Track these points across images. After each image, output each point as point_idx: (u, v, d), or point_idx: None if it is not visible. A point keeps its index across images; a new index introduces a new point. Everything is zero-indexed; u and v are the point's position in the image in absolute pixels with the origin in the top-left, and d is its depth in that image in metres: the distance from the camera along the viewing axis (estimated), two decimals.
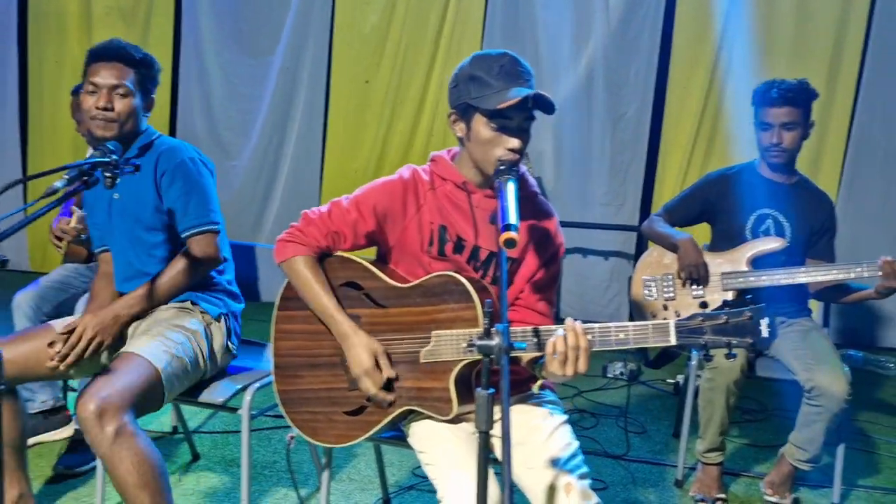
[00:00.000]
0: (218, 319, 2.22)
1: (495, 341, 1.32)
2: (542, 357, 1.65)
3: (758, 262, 2.64)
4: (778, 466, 2.67)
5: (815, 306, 2.88)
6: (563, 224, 4.94)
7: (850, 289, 2.62)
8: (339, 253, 1.85)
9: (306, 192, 5.22)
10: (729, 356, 1.48)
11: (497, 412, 1.82)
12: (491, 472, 1.63)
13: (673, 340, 1.49)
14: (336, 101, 5.17)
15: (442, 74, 5.01)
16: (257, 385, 2.15)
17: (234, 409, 2.13)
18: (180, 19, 5.24)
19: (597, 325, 1.55)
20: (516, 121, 1.66)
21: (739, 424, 3.35)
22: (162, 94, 5.21)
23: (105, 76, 2.10)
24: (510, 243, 1.44)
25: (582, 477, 1.65)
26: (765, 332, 1.45)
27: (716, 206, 2.74)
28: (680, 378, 3.61)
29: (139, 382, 1.91)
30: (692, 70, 4.76)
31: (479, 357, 1.62)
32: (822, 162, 4.71)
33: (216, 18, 5.19)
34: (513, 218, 1.48)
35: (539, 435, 1.73)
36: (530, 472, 1.69)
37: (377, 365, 1.72)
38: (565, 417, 1.81)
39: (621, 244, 4.96)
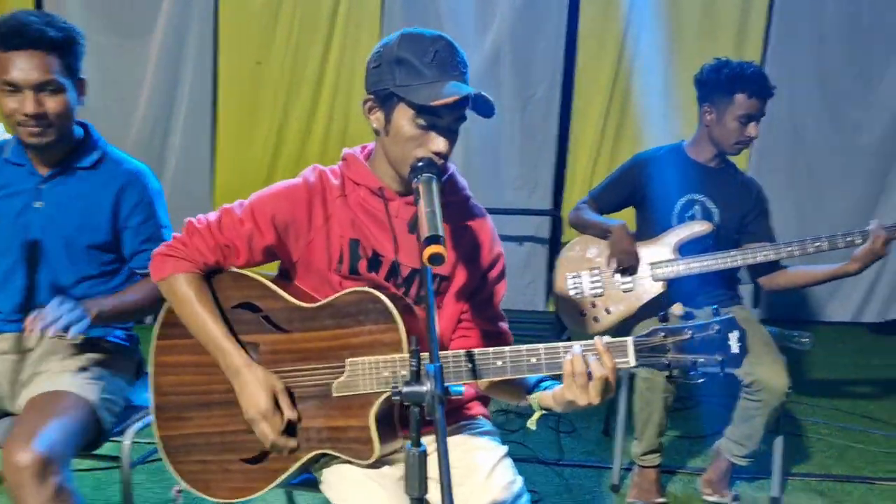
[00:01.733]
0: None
1: (426, 387, 1.06)
2: (540, 385, 1.41)
3: (684, 249, 2.49)
4: (715, 463, 2.55)
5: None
6: None
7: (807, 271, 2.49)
8: (233, 269, 1.54)
9: (197, 189, 4.76)
10: (695, 375, 1.28)
11: (427, 448, 1.60)
12: None
13: (632, 362, 1.28)
14: (226, 85, 4.74)
15: (340, 54, 4.67)
16: (138, 426, 1.81)
17: (113, 458, 1.80)
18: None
19: (541, 345, 1.32)
20: (446, 120, 1.41)
21: (671, 415, 3.22)
22: None
23: (25, 71, 1.68)
24: (436, 259, 1.18)
25: None
26: (735, 348, 1.26)
27: (643, 191, 2.57)
28: None
29: (76, 425, 1.61)
30: (600, 48, 4.61)
31: (459, 395, 1.39)
32: None
33: None
34: (438, 228, 1.22)
35: (478, 474, 1.50)
36: None
37: (276, 405, 1.43)
38: (505, 450, 1.58)
39: (535, 229, 4.79)
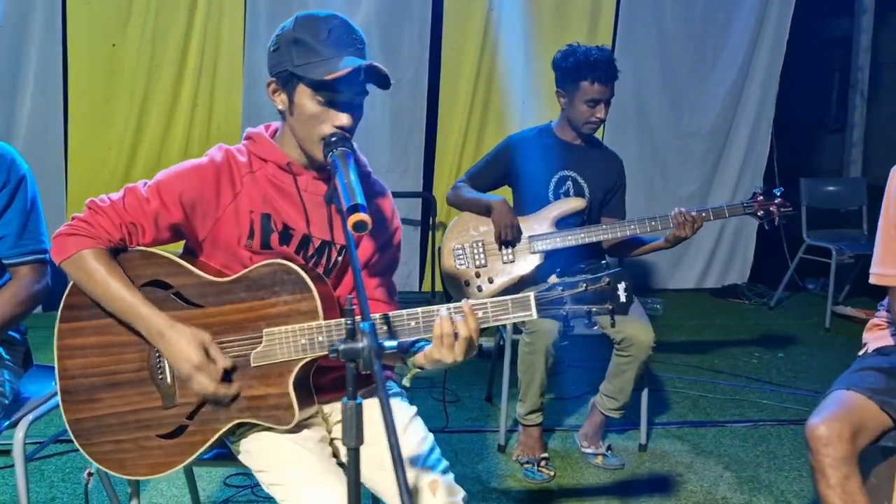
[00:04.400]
0: None
1: (362, 343, 1.13)
2: (413, 346, 1.49)
3: (561, 223, 2.69)
4: (590, 417, 2.77)
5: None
6: None
7: (642, 242, 2.75)
8: (140, 247, 1.53)
9: (48, 180, 4.46)
10: (589, 325, 1.43)
11: (340, 412, 1.66)
12: (344, 479, 1.45)
13: (534, 314, 1.41)
14: (76, 68, 4.48)
15: (202, 38, 4.54)
16: (31, 417, 1.75)
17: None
18: None
19: (419, 309, 1.43)
20: (347, 95, 1.45)
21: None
22: None
23: None
24: (360, 226, 1.25)
25: (445, 471, 1.54)
26: (623, 297, 1.41)
27: (518, 170, 2.73)
28: (484, 341, 3.63)
29: None
30: (464, 33, 4.78)
31: (320, 355, 1.45)
32: None
33: None
34: (359, 197, 1.29)
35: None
36: (385, 475, 1.53)
37: (208, 356, 1.45)
38: (415, 409, 1.67)
39: (407, 211, 4.90)
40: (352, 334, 1.15)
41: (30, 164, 4.70)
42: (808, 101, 5.30)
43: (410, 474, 1.51)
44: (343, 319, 1.44)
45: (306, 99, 1.45)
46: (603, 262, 2.84)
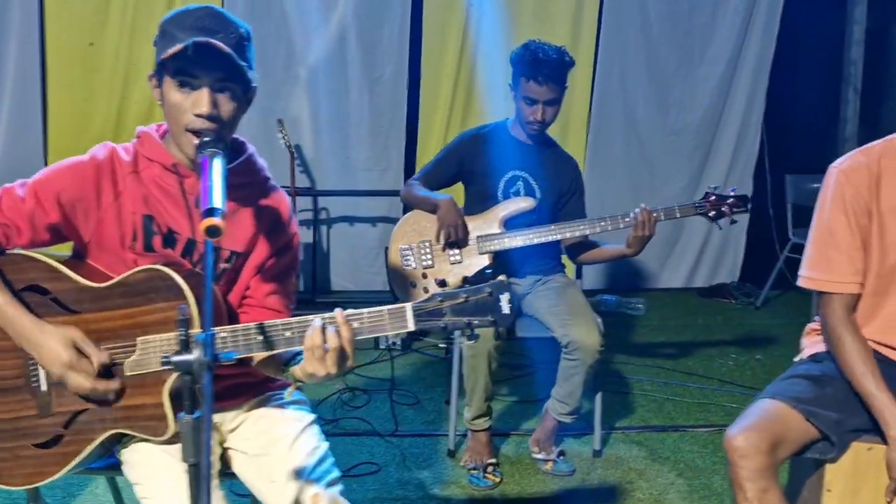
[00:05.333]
0: None
1: (194, 355, 1.08)
2: (295, 358, 1.44)
3: (510, 223, 2.62)
4: (542, 423, 2.70)
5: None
6: (327, 193, 4.71)
7: (600, 246, 2.67)
8: (18, 251, 1.49)
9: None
10: (471, 337, 1.36)
11: (233, 421, 1.62)
12: (217, 493, 1.41)
13: (411, 326, 1.35)
14: (55, 68, 4.47)
15: None
16: None
17: None
18: None
19: (294, 319, 1.38)
20: (206, 80, 1.39)
21: (508, 381, 3.39)
22: None
23: None
24: (213, 231, 1.19)
25: (331, 484, 1.49)
26: (506, 309, 1.34)
27: (470, 167, 2.68)
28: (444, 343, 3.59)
29: None
30: (445, 29, 4.71)
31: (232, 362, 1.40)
32: (569, 120, 4.91)
33: None
34: (216, 201, 1.23)
35: (281, 443, 1.53)
36: (273, 487, 1.49)
37: (80, 353, 1.40)
38: (312, 418, 1.62)
39: (388, 210, 4.84)
40: (185, 345, 1.10)
41: (9, 163, 4.68)
42: (802, 95, 5.15)
43: (294, 487, 1.46)
44: (236, 326, 1.40)
45: (170, 89, 1.41)
46: (557, 262, 2.77)
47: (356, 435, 2.84)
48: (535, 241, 2.57)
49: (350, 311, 1.36)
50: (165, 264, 1.44)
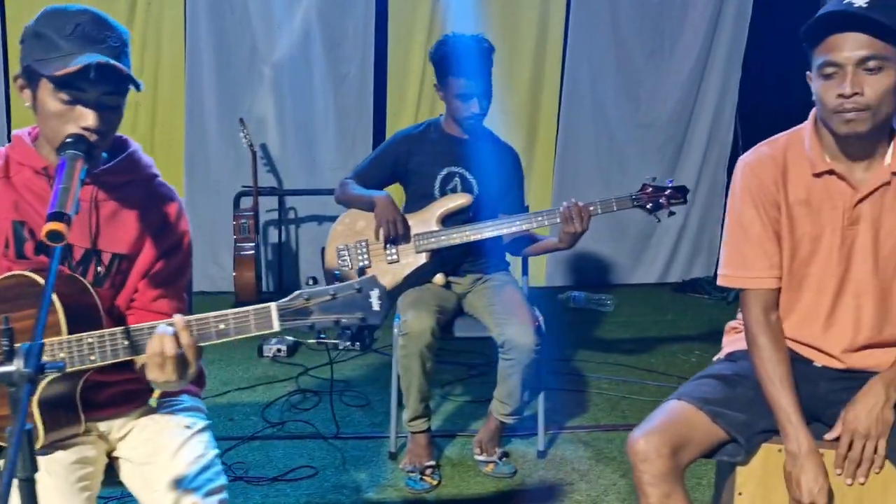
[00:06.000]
0: None
1: (14, 366, 1.04)
2: None
3: (449, 220, 2.58)
4: (486, 424, 2.66)
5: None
6: (291, 192, 4.66)
7: (533, 240, 2.63)
8: None
9: None
10: (342, 336, 1.32)
11: (121, 429, 1.58)
12: None
13: (276, 326, 1.30)
14: (15, 63, 4.44)
15: (143, 33, 4.49)
16: None
17: None
18: None
19: (194, 317, 1.33)
20: (93, 94, 1.36)
21: (463, 381, 3.34)
22: None
23: None
24: (54, 237, 1.16)
25: (212, 493, 1.44)
26: (375, 306, 1.30)
27: (405, 167, 2.63)
28: None
29: None
30: (411, 24, 4.67)
31: (77, 369, 1.36)
32: (539, 113, 4.86)
33: None
34: (62, 205, 1.19)
35: (166, 452, 1.49)
36: (154, 496, 1.45)
37: None
38: (203, 425, 1.58)
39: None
40: (9, 356, 1.06)
41: None
42: (777, 85, 5.07)
43: (172, 496, 1.42)
44: (103, 332, 1.36)
45: (48, 96, 1.36)
46: (500, 259, 2.73)
47: (299, 438, 2.80)
48: (473, 238, 2.52)
49: (217, 312, 1.32)
50: (36, 270, 1.40)
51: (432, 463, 2.54)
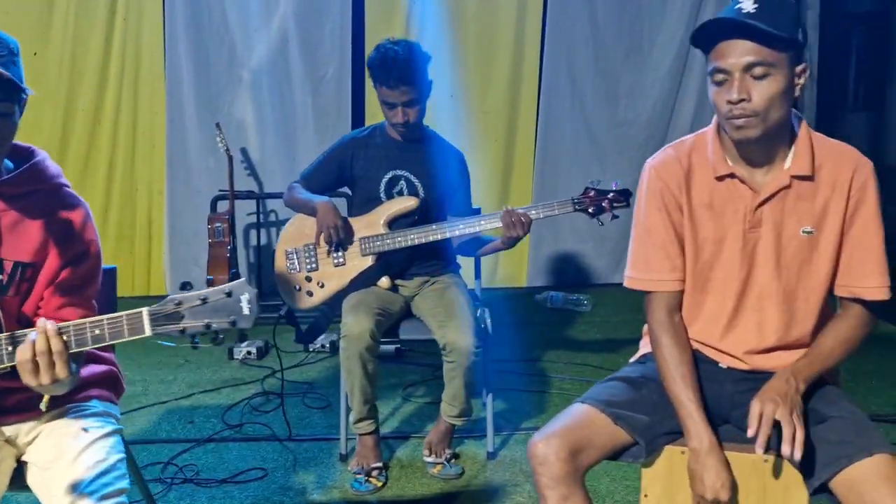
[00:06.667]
0: None
1: None
2: None
3: (396, 223, 2.59)
4: (436, 426, 2.67)
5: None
6: (268, 196, 4.67)
7: (483, 241, 2.64)
8: None
9: None
10: (216, 340, 1.34)
11: (29, 434, 1.61)
12: None
13: (148, 331, 1.32)
14: None
15: (123, 42, 4.56)
16: None
17: None
18: None
19: (72, 322, 1.36)
20: None
21: (426, 383, 3.35)
22: None
23: None
24: None
25: (107, 496, 1.46)
26: (246, 310, 1.32)
27: (350, 171, 2.64)
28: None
29: None
30: (387, 27, 4.67)
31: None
32: (518, 111, 4.87)
33: None
34: None
35: (67, 456, 1.52)
36: (52, 500, 1.48)
37: None
38: (109, 430, 1.60)
39: None
40: None
41: None
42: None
43: (69, 499, 1.45)
44: None
45: None
46: (447, 262, 2.73)
47: (254, 440, 2.83)
48: (418, 241, 2.53)
49: (93, 318, 1.35)
50: None
51: (379, 464, 2.55)
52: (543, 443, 1.55)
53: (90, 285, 1.63)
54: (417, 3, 4.68)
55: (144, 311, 1.32)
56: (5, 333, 1.38)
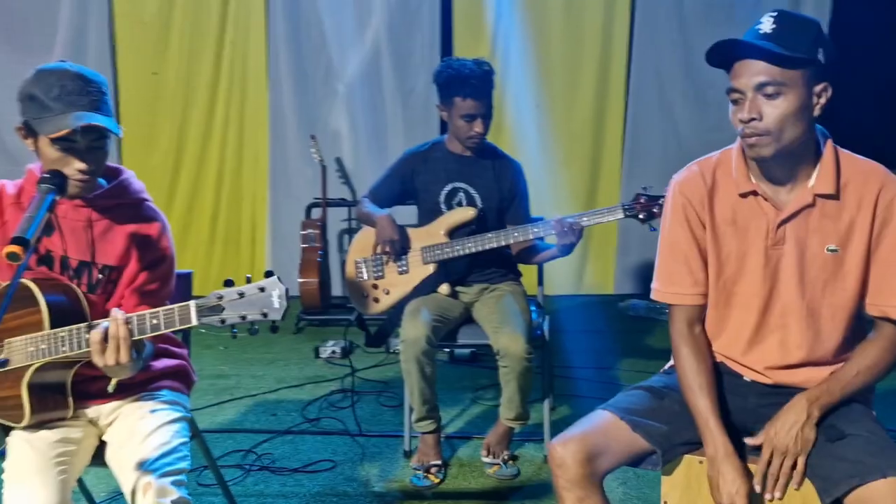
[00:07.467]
0: None
1: None
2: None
3: (455, 233, 2.71)
4: (494, 428, 2.77)
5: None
6: (353, 203, 4.88)
7: (538, 249, 2.71)
8: None
9: None
10: (252, 332, 1.51)
11: (109, 416, 1.85)
12: (56, 479, 1.62)
13: (194, 321, 1.51)
14: (126, 95, 5.00)
15: (231, 60, 4.93)
16: None
17: None
18: None
19: (136, 314, 1.56)
20: (83, 143, 1.64)
21: (498, 386, 3.43)
22: None
23: None
24: (12, 257, 1.41)
25: (167, 474, 1.66)
26: (276, 304, 1.47)
27: (412, 184, 2.79)
28: None
29: None
30: (475, 40, 4.82)
31: (46, 360, 1.63)
32: (605, 121, 4.88)
33: None
34: (25, 231, 1.45)
35: (137, 437, 1.74)
36: (123, 475, 1.70)
37: None
38: (176, 416, 1.82)
39: None
40: None
41: None
42: (862, 90, 4.78)
43: (134, 476, 1.66)
44: (72, 327, 1.62)
45: (46, 146, 1.65)
46: (508, 270, 2.83)
47: (328, 434, 3.03)
48: (474, 249, 2.64)
49: (153, 309, 1.55)
50: (35, 279, 1.69)
51: (438, 462, 2.68)
52: (561, 446, 1.63)
53: (163, 287, 1.85)
54: (504, 16, 4.78)
55: (192, 303, 1.51)
56: (85, 324, 1.60)
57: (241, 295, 1.48)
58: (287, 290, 1.49)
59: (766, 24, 1.51)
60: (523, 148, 4.86)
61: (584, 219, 2.51)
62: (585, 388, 3.39)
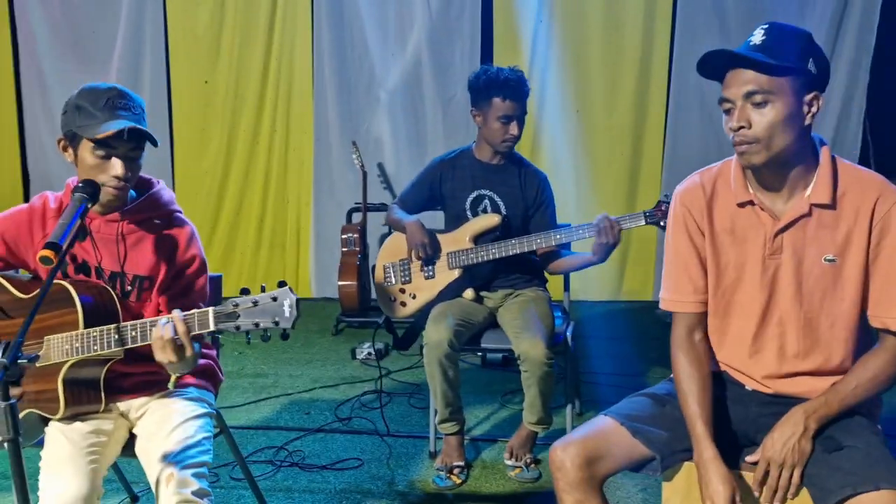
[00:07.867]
0: None
1: None
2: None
3: (481, 239, 2.77)
4: (518, 431, 2.81)
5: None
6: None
7: (570, 255, 2.75)
8: None
9: None
10: (264, 338, 1.59)
11: (139, 410, 1.97)
12: (88, 467, 1.74)
13: (212, 326, 1.60)
14: (178, 103, 5.21)
15: (278, 69, 5.08)
16: None
17: None
18: (15, 30, 5.26)
19: (187, 312, 1.66)
20: (121, 150, 1.77)
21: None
22: (6, 108, 5.32)
23: None
24: (43, 260, 1.54)
25: (188, 467, 1.77)
26: (287, 312, 1.55)
27: (439, 191, 2.85)
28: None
29: None
30: (514, 49, 4.86)
31: (81, 358, 1.76)
32: (645, 124, 4.87)
33: (50, 29, 5.20)
34: (58, 237, 1.57)
35: (163, 430, 1.85)
36: (149, 466, 1.81)
37: None
38: (202, 412, 1.93)
39: None
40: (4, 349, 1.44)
41: None
42: None
43: (159, 467, 1.77)
44: (103, 327, 1.74)
45: (87, 153, 1.78)
46: (533, 276, 2.87)
47: (357, 433, 3.12)
48: (499, 255, 2.69)
49: (191, 312, 1.65)
50: (77, 281, 1.82)
51: (461, 463, 2.74)
52: (561, 449, 1.67)
53: (193, 291, 1.96)
54: (544, 23, 4.81)
55: (210, 310, 1.61)
56: (114, 325, 1.72)
57: (255, 303, 1.57)
58: (298, 301, 1.57)
59: (757, 36, 1.54)
60: (563, 153, 4.89)
61: (623, 222, 2.53)
62: (614, 395, 3.38)
